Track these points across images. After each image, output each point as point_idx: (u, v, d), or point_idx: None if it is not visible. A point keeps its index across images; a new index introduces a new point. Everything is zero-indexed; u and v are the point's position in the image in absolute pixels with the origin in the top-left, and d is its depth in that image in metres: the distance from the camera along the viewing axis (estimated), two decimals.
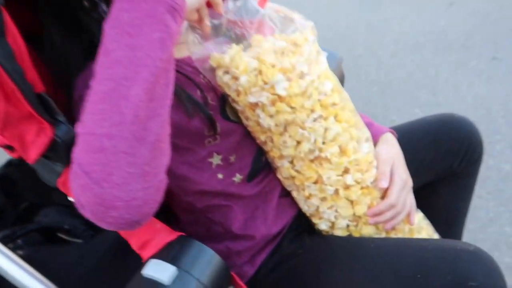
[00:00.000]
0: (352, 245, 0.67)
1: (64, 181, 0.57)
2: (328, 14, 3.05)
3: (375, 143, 0.72)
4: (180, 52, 0.63)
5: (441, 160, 0.83)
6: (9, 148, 0.54)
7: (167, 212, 0.74)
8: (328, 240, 0.70)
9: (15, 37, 0.48)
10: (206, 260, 0.55)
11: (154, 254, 0.55)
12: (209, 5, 0.57)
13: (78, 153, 0.44)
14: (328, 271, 0.64)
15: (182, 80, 0.61)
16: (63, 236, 1.01)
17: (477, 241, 1.31)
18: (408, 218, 0.71)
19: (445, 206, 0.88)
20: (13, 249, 0.71)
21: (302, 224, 0.74)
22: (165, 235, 0.57)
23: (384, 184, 0.66)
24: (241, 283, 0.59)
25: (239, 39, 0.64)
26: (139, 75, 0.44)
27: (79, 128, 0.45)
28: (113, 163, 0.42)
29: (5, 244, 0.72)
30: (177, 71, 0.57)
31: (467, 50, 2.32)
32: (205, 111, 0.62)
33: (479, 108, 1.84)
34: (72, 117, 0.55)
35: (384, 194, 0.68)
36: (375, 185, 0.67)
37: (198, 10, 0.55)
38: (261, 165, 0.70)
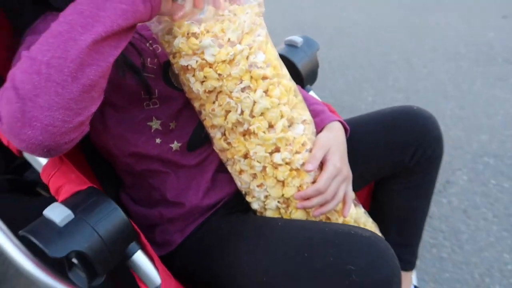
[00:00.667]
0: (262, 222, 0.65)
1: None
2: (368, 15, 2.96)
3: (321, 130, 0.70)
4: None
5: (391, 153, 0.78)
6: None
7: (112, 175, 0.76)
8: (247, 217, 0.69)
9: None
10: (107, 212, 0.56)
11: (62, 199, 0.57)
12: None
13: (14, 71, 0.48)
14: (234, 244, 0.63)
15: None
16: (42, 191, 1.06)
17: (469, 263, 1.22)
18: (342, 210, 0.67)
19: (398, 203, 0.82)
20: None
21: (238, 203, 0.73)
22: (77, 184, 0.59)
23: (309, 166, 0.63)
24: (146, 242, 0.59)
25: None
26: (94, 28, 0.48)
27: (25, 52, 0.48)
28: (43, 87, 0.46)
29: None
30: None
31: (510, 65, 2.16)
32: (137, 71, 0.62)
33: (509, 127, 1.71)
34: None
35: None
36: (305, 169, 0.64)
37: None
38: (202, 136, 0.70)
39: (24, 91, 0.46)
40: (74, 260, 0.54)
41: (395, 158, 0.78)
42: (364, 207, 0.79)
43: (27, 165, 1.17)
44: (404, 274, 0.86)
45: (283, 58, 0.86)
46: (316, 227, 0.60)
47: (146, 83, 0.64)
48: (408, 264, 0.90)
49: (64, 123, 0.47)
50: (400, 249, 0.76)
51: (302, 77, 0.86)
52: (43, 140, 0.47)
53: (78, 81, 0.47)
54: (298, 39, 0.87)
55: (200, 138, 0.70)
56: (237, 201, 0.73)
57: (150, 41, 0.67)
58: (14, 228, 0.75)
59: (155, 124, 0.67)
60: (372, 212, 0.82)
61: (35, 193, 1.06)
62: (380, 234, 0.75)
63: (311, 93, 0.90)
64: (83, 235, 0.52)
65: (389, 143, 0.78)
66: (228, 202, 0.73)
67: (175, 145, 0.69)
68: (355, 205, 0.73)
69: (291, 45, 0.87)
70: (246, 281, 0.61)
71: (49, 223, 0.53)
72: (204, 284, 0.69)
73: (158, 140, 0.68)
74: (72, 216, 0.53)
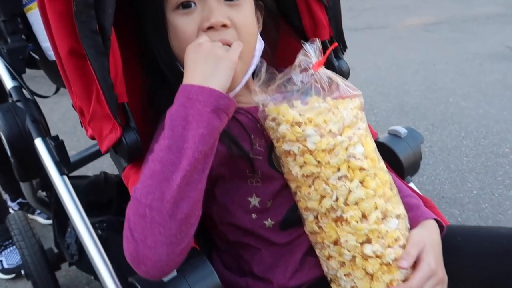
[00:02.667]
0: None
1: (125, 175, 0.71)
2: (478, 103, 2.83)
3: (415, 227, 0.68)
4: (249, 102, 0.74)
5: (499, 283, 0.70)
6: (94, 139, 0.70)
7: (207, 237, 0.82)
8: None
9: (115, 56, 0.65)
10: (205, 275, 0.62)
11: None
12: None
13: (129, 211, 0.59)
14: None
15: (234, 125, 0.71)
16: None
17: None
18: None
19: None
20: (96, 228, 0.90)
21: None
22: None
23: (403, 263, 0.61)
24: None
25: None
26: (181, 164, 0.57)
27: (134, 191, 0.59)
28: (149, 229, 0.56)
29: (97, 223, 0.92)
30: (235, 117, 0.69)
31: None
32: (244, 151, 0.69)
33: None
34: (145, 132, 0.69)
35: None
36: (397, 264, 0.62)
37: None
38: (296, 218, 0.73)
39: (136, 234, 0.56)
40: None
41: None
42: None
43: None
44: None
45: (385, 147, 0.87)
46: None
47: (252, 163, 0.70)
48: None
49: (168, 255, 0.57)
50: None
51: (403, 168, 0.86)
52: (154, 274, 0.58)
53: (175, 218, 0.56)
54: (402, 130, 0.88)
55: (293, 219, 0.73)
56: (322, 287, 0.73)
57: (261, 123, 0.74)
58: (120, 271, 0.85)
59: (254, 201, 0.73)
60: None
61: None
62: None
63: (411, 184, 0.89)
64: None
65: (497, 263, 0.71)
66: (312, 286, 0.73)
67: (268, 222, 0.73)
68: None
69: (394, 135, 0.89)
70: None
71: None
72: None
73: (254, 216, 0.73)
74: (175, 273, 0.59)
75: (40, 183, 1.23)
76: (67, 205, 0.91)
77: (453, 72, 3.35)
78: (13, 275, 1.64)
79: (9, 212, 1.81)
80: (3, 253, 1.71)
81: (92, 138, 0.72)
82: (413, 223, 0.69)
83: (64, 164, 0.94)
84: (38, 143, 0.94)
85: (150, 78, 0.77)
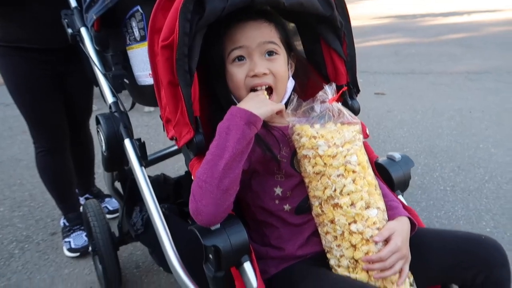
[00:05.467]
0: (331, 276, 0.92)
1: (191, 164, 1.03)
2: (507, 151, 2.95)
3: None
4: (281, 122, 1.06)
5: (453, 267, 0.97)
6: (175, 139, 1.02)
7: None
8: (323, 271, 0.95)
9: (195, 87, 0.98)
10: (238, 230, 0.91)
11: None
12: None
13: (193, 184, 0.90)
14: (306, 284, 0.92)
15: (270, 137, 1.02)
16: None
17: None
18: (397, 281, 0.89)
19: None
20: (161, 207, 1.21)
21: (321, 260, 0.99)
22: None
23: (376, 238, 0.88)
24: (254, 257, 0.91)
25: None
26: (224, 155, 0.88)
27: (196, 173, 0.91)
28: (203, 195, 0.87)
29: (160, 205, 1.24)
30: (270, 131, 1.01)
31: None
32: (274, 155, 1.00)
33: None
34: (207, 136, 1.01)
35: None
36: (373, 240, 0.89)
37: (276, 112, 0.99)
38: (306, 206, 1.01)
39: (196, 197, 0.88)
40: (210, 256, 0.88)
41: (458, 275, 0.97)
42: None
43: (185, 204, 1.65)
44: None
45: (382, 167, 1.14)
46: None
47: (279, 164, 1.00)
48: None
49: (215, 212, 0.88)
50: None
51: (393, 184, 1.13)
52: (208, 221, 0.89)
53: (220, 188, 0.87)
54: (397, 155, 1.14)
55: (304, 206, 1.02)
56: (320, 258, 1.00)
57: (288, 137, 1.04)
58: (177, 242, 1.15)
59: (278, 190, 1.02)
60: None
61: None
62: None
63: (400, 197, 1.14)
64: (222, 239, 0.87)
65: (454, 256, 0.97)
66: (313, 256, 1.01)
67: (287, 207, 1.02)
68: (411, 285, 0.93)
69: (390, 159, 1.15)
70: None
71: (207, 229, 0.90)
72: None
73: (277, 201, 1.02)
74: (219, 226, 0.89)
75: (118, 175, 1.59)
76: (143, 187, 1.25)
77: (488, 121, 3.48)
78: (78, 254, 2.01)
79: (80, 204, 2.21)
80: (72, 235, 2.08)
81: (171, 139, 1.04)
82: (391, 218, 0.96)
83: (143, 158, 1.29)
84: (127, 142, 1.30)
85: (212, 104, 1.10)
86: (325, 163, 0.92)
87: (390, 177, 1.13)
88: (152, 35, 0.99)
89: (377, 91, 4.36)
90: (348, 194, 0.91)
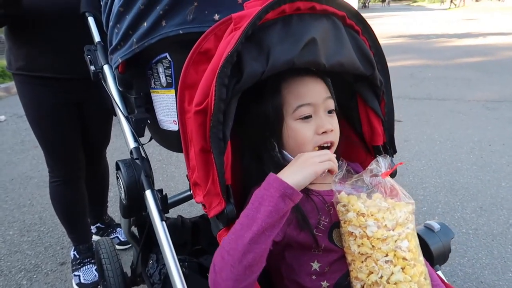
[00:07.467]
0: None
1: (220, 234, 0.95)
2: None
3: None
4: (325, 187, 0.98)
5: None
6: (203, 205, 0.95)
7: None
8: None
9: (228, 154, 0.91)
10: None
11: None
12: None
13: (216, 252, 0.83)
14: None
15: (308, 203, 0.94)
16: None
17: None
18: None
19: None
20: (181, 266, 1.13)
21: None
22: None
23: None
24: None
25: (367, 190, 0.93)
26: (251, 228, 0.80)
27: (223, 238, 0.84)
28: (224, 267, 0.80)
29: (180, 262, 1.16)
30: (309, 196, 0.91)
31: None
32: (311, 232, 0.92)
33: None
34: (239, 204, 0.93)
35: None
36: None
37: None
38: (346, 283, 0.93)
39: (216, 268, 0.81)
40: None
41: None
42: None
43: (202, 251, 1.56)
44: None
45: (420, 238, 1.05)
46: None
47: (316, 240, 0.92)
48: None
49: (235, 287, 0.79)
50: None
51: (433, 258, 1.04)
52: None
53: (242, 263, 0.79)
54: (436, 225, 1.06)
55: (344, 284, 0.93)
56: None
57: (329, 205, 0.96)
58: None
59: (315, 265, 0.94)
60: None
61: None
62: None
63: (439, 272, 1.06)
64: None
65: None
66: None
67: (324, 283, 0.94)
68: None
69: (429, 228, 1.07)
70: None
71: None
72: None
73: (313, 277, 0.94)
74: None
75: (135, 220, 1.52)
76: (163, 244, 1.16)
77: (509, 155, 3.39)
78: None
79: (91, 234, 2.13)
80: (81, 269, 2.01)
81: (199, 203, 0.97)
82: None
83: (165, 212, 1.21)
84: (148, 194, 1.21)
85: (247, 170, 1.04)
86: (373, 246, 0.84)
87: (428, 250, 1.04)
88: (182, 91, 0.92)
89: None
90: (396, 284, 0.82)
